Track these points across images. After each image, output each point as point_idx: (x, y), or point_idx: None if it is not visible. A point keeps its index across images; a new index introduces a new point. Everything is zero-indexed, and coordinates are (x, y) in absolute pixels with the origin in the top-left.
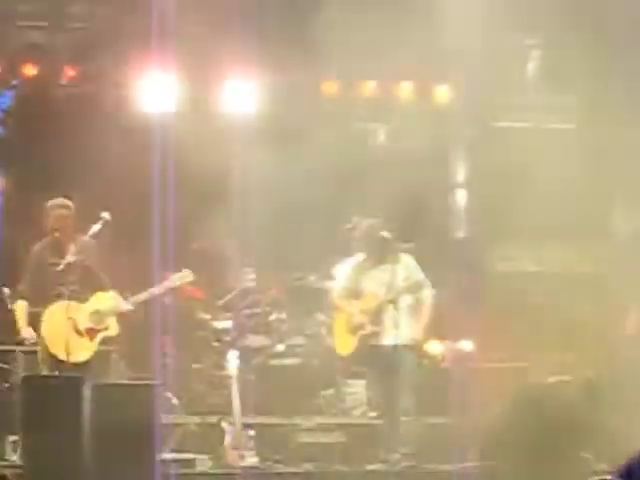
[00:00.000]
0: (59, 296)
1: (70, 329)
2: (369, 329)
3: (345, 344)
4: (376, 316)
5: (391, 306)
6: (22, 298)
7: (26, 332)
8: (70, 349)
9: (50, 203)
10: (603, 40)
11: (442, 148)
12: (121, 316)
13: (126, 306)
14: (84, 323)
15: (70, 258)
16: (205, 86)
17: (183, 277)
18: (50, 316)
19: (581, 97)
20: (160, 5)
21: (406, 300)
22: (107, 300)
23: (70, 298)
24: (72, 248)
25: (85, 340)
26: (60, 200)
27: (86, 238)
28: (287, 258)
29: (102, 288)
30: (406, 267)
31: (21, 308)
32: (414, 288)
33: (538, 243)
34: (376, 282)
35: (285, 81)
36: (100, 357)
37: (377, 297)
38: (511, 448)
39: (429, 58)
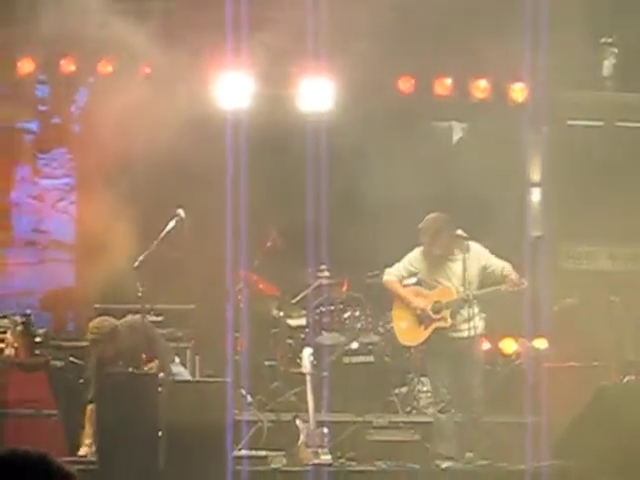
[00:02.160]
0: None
1: None
2: (448, 322)
3: (414, 335)
4: (452, 309)
5: (467, 298)
6: None
7: None
8: None
9: None
10: None
11: (517, 146)
12: None
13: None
14: None
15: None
16: (280, 83)
17: None
18: None
19: None
20: (234, 1)
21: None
22: None
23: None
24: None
25: None
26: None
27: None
28: (362, 255)
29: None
30: (478, 256)
31: None
32: (493, 277)
33: (613, 241)
34: (448, 273)
35: (361, 78)
36: None
37: (455, 290)
38: (586, 447)
39: (505, 56)
